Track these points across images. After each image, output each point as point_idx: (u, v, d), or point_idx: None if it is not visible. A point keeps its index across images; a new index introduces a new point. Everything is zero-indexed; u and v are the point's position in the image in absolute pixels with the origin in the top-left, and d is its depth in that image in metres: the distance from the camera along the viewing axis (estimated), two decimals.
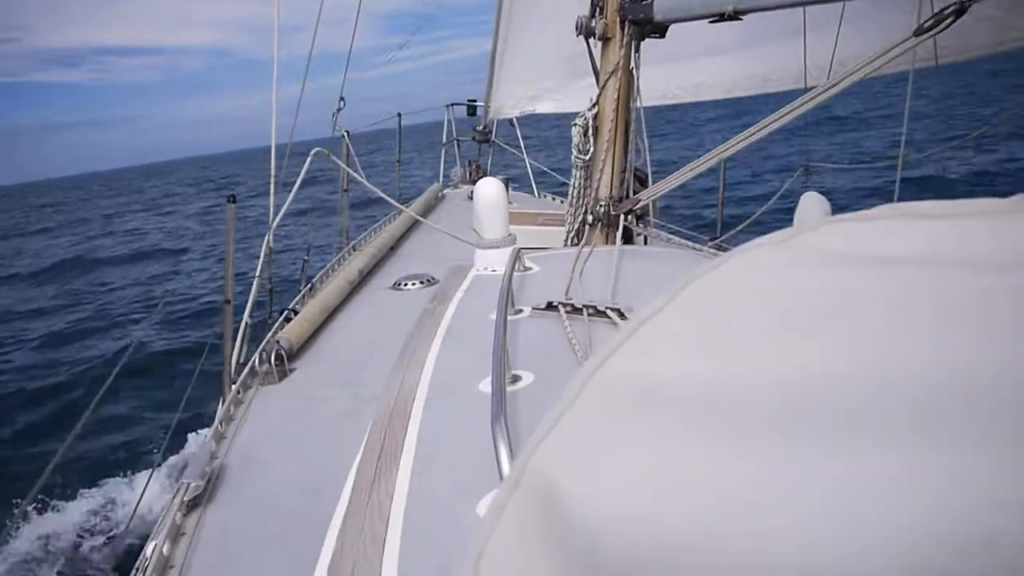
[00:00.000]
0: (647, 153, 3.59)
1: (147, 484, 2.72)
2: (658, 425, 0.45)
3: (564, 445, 0.47)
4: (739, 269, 0.53)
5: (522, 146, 6.72)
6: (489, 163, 7.05)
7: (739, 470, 0.39)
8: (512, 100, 6.37)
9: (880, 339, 0.42)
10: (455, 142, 7.29)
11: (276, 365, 2.59)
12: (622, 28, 3.33)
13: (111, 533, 4.91)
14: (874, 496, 0.33)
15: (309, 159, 3.63)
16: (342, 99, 4.96)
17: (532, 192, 6.71)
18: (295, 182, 3.47)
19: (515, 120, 6.77)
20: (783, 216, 3.80)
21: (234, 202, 2.81)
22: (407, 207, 4.90)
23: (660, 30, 3.32)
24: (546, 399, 1.60)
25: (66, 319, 11.77)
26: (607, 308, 2.10)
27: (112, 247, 21.13)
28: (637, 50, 3.37)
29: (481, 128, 6.78)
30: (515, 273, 2.55)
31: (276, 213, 3.32)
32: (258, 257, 3.17)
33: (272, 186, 3.28)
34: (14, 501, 4.73)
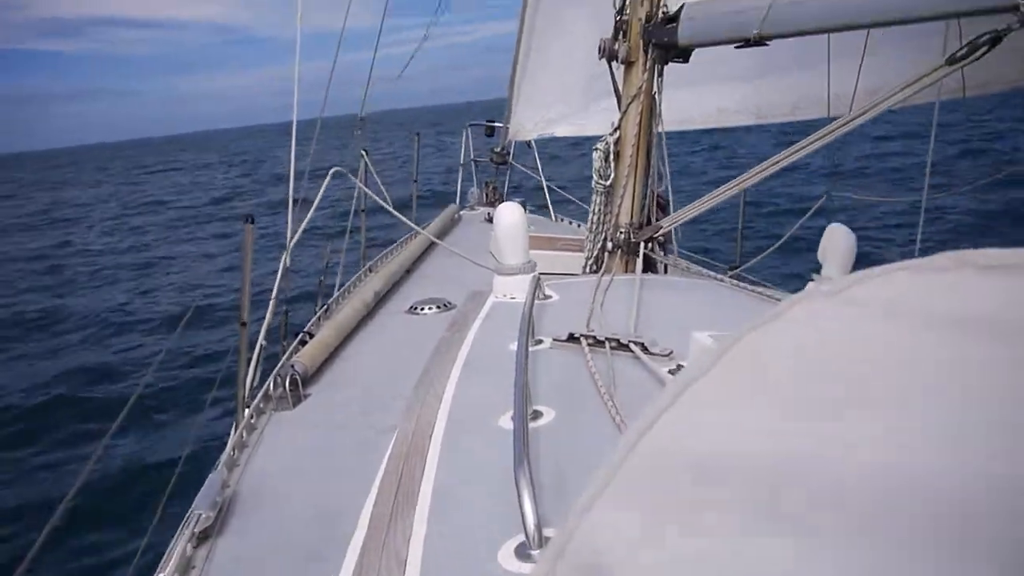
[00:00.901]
0: (668, 179, 3.55)
1: (159, 513, 2.67)
2: (717, 506, 0.40)
3: (613, 519, 0.43)
4: (795, 325, 0.49)
5: (540, 169, 6.69)
6: (506, 185, 7.02)
7: (810, 571, 0.35)
8: (531, 123, 6.35)
9: (960, 426, 0.37)
10: (473, 163, 7.27)
11: (290, 390, 2.55)
12: (645, 52, 3.30)
13: (119, 564, 4.86)
14: None
15: (327, 179, 3.60)
16: (362, 119, 4.97)
17: (549, 214, 6.68)
18: (313, 200, 3.45)
19: (533, 142, 6.75)
20: (806, 246, 3.74)
21: (252, 222, 2.78)
22: (424, 228, 4.87)
23: (684, 55, 3.29)
24: (568, 438, 1.54)
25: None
26: (630, 341, 2.05)
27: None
28: (660, 74, 3.33)
29: (499, 150, 6.76)
30: (535, 301, 2.51)
31: (293, 232, 3.29)
32: (273, 273, 3.13)
33: (290, 204, 3.25)
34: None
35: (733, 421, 0.43)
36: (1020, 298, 0.42)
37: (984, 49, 2.20)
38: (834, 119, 4.30)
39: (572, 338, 2.18)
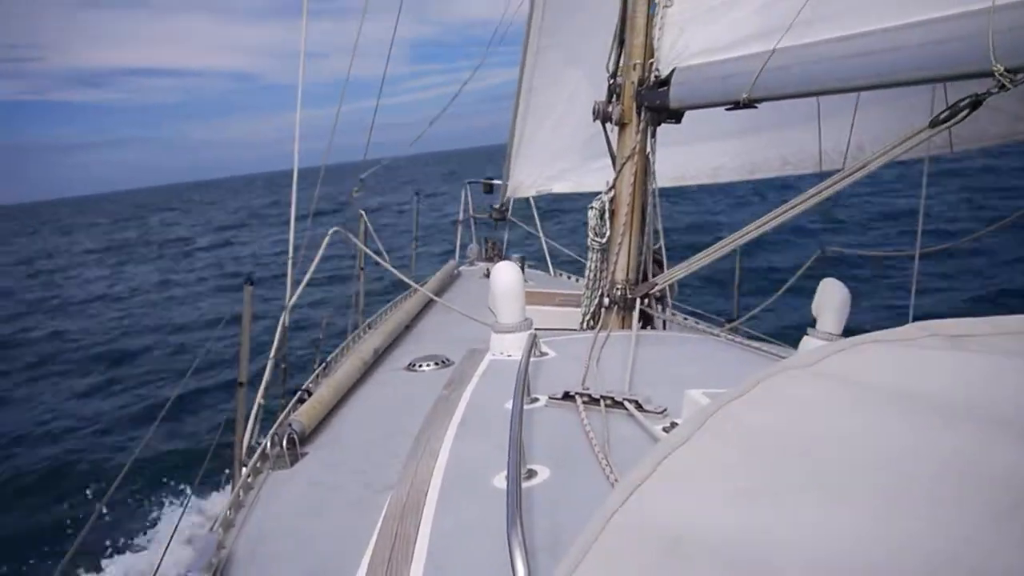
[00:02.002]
0: (663, 236, 3.60)
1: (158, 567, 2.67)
2: None
3: None
4: (770, 397, 0.51)
5: (538, 225, 6.76)
6: (505, 241, 7.10)
7: None
8: (529, 179, 6.44)
9: (925, 507, 0.39)
10: (472, 219, 7.36)
11: (288, 449, 2.56)
12: (638, 114, 3.38)
13: None
14: None
15: (326, 240, 3.66)
16: (362, 179, 5.06)
17: (548, 269, 6.73)
18: (314, 257, 3.50)
19: (532, 199, 6.83)
20: (802, 300, 3.78)
21: (252, 284, 2.82)
22: (423, 284, 4.92)
23: (676, 116, 3.37)
24: (562, 497, 1.56)
25: None
26: (624, 399, 2.07)
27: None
28: (653, 135, 3.41)
29: (498, 207, 6.84)
30: (531, 359, 2.53)
31: (293, 291, 3.33)
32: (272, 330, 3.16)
33: (290, 266, 3.30)
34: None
35: (703, 496, 0.45)
36: (979, 375, 0.45)
37: (965, 112, 2.26)
38: (826, 173, 4.39)
39: (567, 396, 2.19)
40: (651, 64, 3.32)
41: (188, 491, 3.34)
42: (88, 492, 7.07)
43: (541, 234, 6.62)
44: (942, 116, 2.32)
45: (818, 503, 0.40)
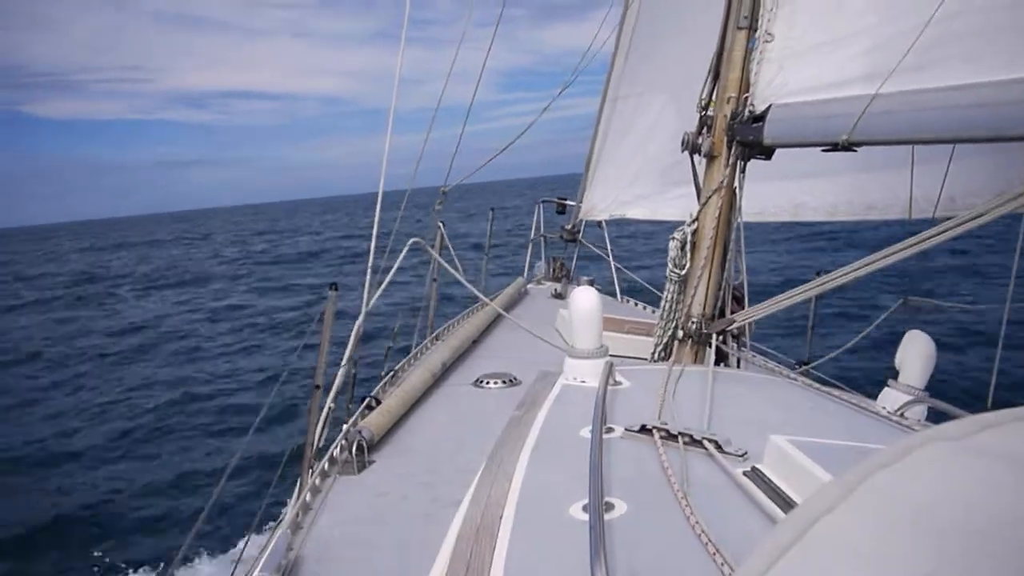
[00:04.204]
0: (746, 272, 3.54)
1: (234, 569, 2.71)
2: None
3: None
4: (924, 468, 0.49)
5: (609, 249, 6.74)
6: (574, 262, 7.08)
7: None
8: (604, 203, 6.43)
9: None
10: (542, 238, 7.36)
11: (356, 456, 2.58)
12: (728, 148, 3.34)
13: None
14: None
15: (405, 249, 3.69)
16: (444, 192, 5.12)
17: (615, 295, 6.69)
18: (392, 267, 3.54)
19: (604, 223, 6.81)
20: (882, 349, 3.68)
21: (336, 289, 2.86)
22: (492, 299, 4.93)
23: (767, 152, 3.31)
24: (642, 534, 1.53)
25: None
26: (704, 438, 2.04)
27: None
28: (743, 171, 3.37)
29: (570, 227, 6.84)
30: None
31: (370, 297, 3.36)
32: (346, 339, 3.20)
33: (368, 273, 3.34)
34: None
35: (861, 571, 0.43)
36: None
37: None
38: (916, 222, 4.27)
39: (644, 429, 2.17)
40: (746, 99, 3.27)
41: (267, 491, 3.42)
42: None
43: (611, 258, 6.60)
44: None
45: None
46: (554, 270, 6.99)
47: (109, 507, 7.46)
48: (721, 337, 3.35)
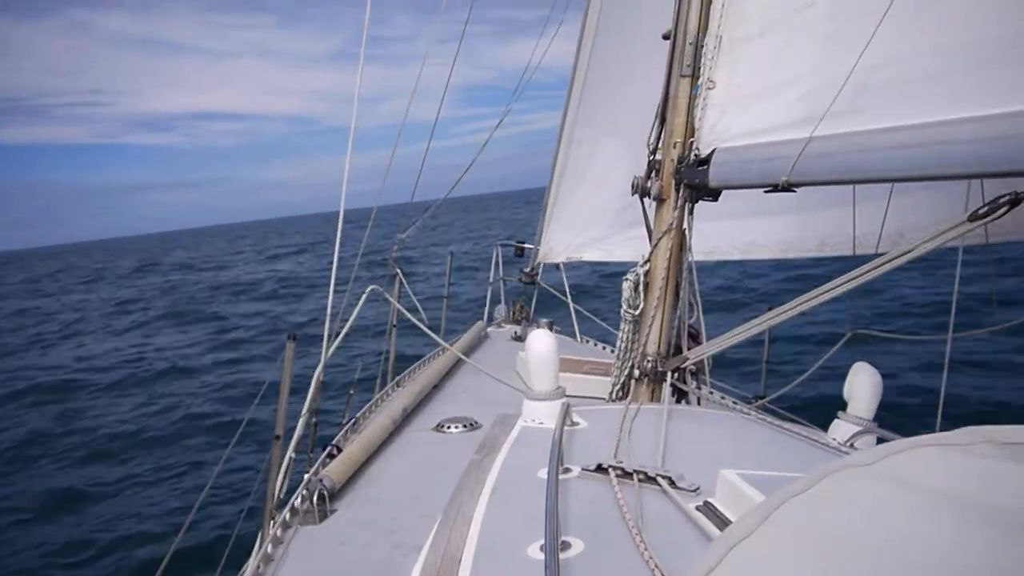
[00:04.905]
0: (699, 310, 3.63)
1: None
2: None
3: None
4: (834, 495, 0.54)
5: (567, 291, 6.82)
6: (533, 304, 7.15)
7: None
8: (560, 246, 6.52)
9: None
10: (501, 281, 7.43)
11: (318, 505, 2.58)
12: (677, 191, 3.44)
13: None
14: None
15: (363, 299, 3.73)
16: (401, 238, 5.18)
17: (575, 335, 6.76)
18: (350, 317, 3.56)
19: (561, 264, 6.91)
20: (831, 381, 3.77)
21: (294, 340, 2.88)
22: (452, 344, 4.96)
23: (714, 195, 3.42)
24: (598, 571, 1.57)
25: None
26: (657, 475, 2.08)
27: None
28: (691, 212, 3.47)
29: (528, 270, 6.92)
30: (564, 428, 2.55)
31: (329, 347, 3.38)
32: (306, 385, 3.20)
33: (327, 322, 3.36)
34: None
35: None
36: None
37: (1005, 209, 2.30)
38: (859, 257, 4.41)
39: (600, 468, 2.21)
40: (691, 143, 3.39)
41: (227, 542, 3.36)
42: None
43: (570, 299, 6.67)
44: (981, 211, 2.35)
45: None
46: (514, 312, 7.05)
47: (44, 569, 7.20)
48: (677, 375, 3.42)
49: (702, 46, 3.40)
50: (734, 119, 3.27)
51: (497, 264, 7.36)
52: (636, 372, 3.44)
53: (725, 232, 5.24)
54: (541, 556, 1.64)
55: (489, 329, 6.64)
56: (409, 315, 4.21)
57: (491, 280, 7.35)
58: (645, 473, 2.12)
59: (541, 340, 2.95)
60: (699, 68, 3.43)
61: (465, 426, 3.44)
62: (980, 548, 0.44)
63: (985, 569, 0.43)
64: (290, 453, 2.91)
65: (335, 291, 3.42)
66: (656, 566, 1.55)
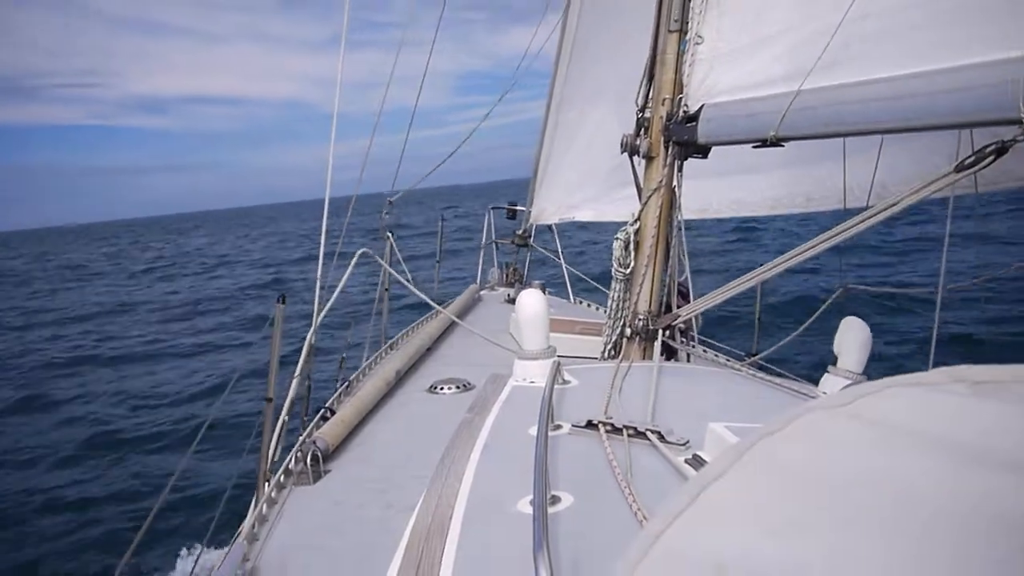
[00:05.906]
0: (688, 268, 3.64)
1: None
2: None
3: None
4: (805, 434, 0.55)
5: (560, 252, 6.82)
6: (527, 267, 7.15)
7: None
8: (552, 207, 6.51)
9: (953, 546, 0.43)
10: (494, 244, 7.43)
11: (311, 466, 2.61)
12: (666, 148, 3.43)
13: None
14: None
15: (354, 260, 3.72)
16: (391, 202, 5.17)
17: (568, 296, 6.77)
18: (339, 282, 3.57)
19: (554, 226, 6.90)
20: (823, 337, 3.79)
21: (283, 302, 2.89)
22: (445, 307, 4.97)
23: (703, 151, 3.41)
24: (586, 524, 1.59)
25: None
26: (647, 430, 2.11)
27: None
28: (680, 169, 3.46)
29: (521, 232, 6.92)
30: (554, 386, 2.57)
31: (320, 310, 3.39)
32: (298, 350, 3.22)
33: (318, 286, 3.36)
34: None
35: (744, 526, 0.49)
36: (1001, 422, 0.49)
37: (991, 158, 2.30)
38: (850, 211, 4.41)
39: (590, 424, 2.23)
40: (680, 100, 3.37)
41: (219, 502, 3.38)
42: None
43: (563, 261, 6.68)
44: (967, 161, 2.36)
45: (854, 540, 0.43)
46: (507, 275, 7.06)
47: (43, 522, 7.22)
48: (668, 332, 3.43)
49: (689, 0, 3.38)
50: (722, 75, 3.25)
51: (489, 226, 7.35)
52: (627, 331, 3.46)
53: (715, 190, 5.24)
54: (530, 510, 1.66)
55: (483, 292, 6.65)
56: (400, 278, 4.22)
57: (484, 242, 7.35)
58: (635, 428, 2.14)
59: (531, 300, 2.96)
60: (687, 23, 3.40)
61: (458, 387, 3.46)
62: (944, 482, 0.45)
63: (946, 500, 0.44)
64: (284, 416, 2.93)
65: (325, 258, 3.42)
66: (644, 517, 1.57)
